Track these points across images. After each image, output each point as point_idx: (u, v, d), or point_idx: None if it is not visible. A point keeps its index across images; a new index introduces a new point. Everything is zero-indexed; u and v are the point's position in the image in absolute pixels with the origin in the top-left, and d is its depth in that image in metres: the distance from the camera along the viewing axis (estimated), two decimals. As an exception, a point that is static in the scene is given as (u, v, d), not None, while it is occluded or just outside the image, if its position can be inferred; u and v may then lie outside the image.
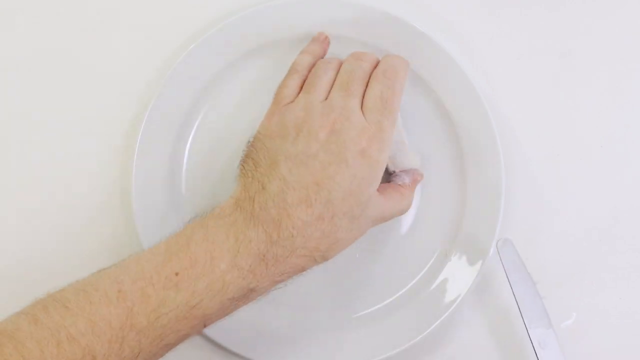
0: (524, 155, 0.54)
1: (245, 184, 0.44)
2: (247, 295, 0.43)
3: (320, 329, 0.52)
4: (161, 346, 0.40)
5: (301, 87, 0.48)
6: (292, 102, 0.47)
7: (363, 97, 0.46)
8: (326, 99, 0.46)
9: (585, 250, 0.54)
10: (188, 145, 0.53)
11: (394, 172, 0.52)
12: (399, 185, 0.50)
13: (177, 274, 0.40)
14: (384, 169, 0.45)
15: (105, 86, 0.53)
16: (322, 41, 0.51)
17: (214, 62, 0.52)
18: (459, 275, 0.52)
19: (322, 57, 0.51)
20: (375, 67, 0.48)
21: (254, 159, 0.45)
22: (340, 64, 0.48)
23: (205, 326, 0.43)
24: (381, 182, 0.47)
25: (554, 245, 0.54)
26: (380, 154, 0.44)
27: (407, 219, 0.53)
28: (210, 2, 0.54)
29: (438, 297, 0.52)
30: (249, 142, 0.46)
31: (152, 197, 0.51)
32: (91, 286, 0.40)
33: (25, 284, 0.52)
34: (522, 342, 0.53)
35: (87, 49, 0.54)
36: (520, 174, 0.54)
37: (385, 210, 0.48)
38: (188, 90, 0.52)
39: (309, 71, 0.49)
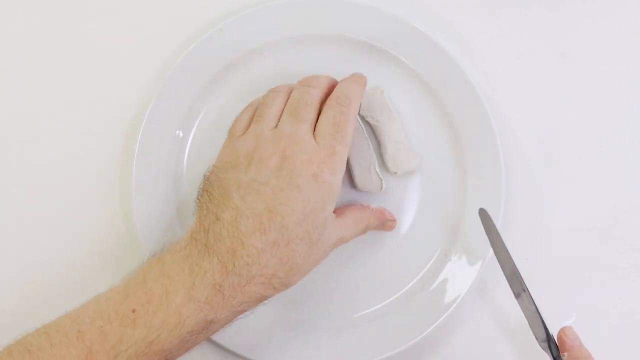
0: (524, 155, 0.54)
1: (200, 217, 0.44)
2: (206, 328, 0.43)
3: (320, 329, 0.52)
4: None
5: None
6: (243, 133, 0.47)
7: (316, 124, 0.46)
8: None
9: (585, 251, 0.54)
10: (188, 145, 0.53)
11: (395, 173, 0.52)
12: (360, 205, 0.51)
13: (133, 311, 0.41)
14: (338, 192, 0.45)
15: (105, 86, 0.53)
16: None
17: (214, 62, 0.52)
18: (459, 275, 0.52)
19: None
20: (327, 91, 0.48)
21: (209, 191, 0.45)
22: (290, 92, 0.48)
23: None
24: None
25: (554, 246, 0.54)
26: (333, 177, 0.44)
27: (407, 219, 0.53)
28: (210, 2, 0.54)
29: (438, 297, 0.52)
30: (204, 175, 0.46)
31: (152, 197, 0.51)
32: (53, 328, 0.41)
33: (24, 284, 0.52)
34: (521, 342, 0.53)
35: (87, 49, 0.54)
36: (520, 174, 0.54)
37: (344, 231, 0.48)
38: (188, 90, 0.52)
39: None
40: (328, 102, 0.47)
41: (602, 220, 0.55)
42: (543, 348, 0.48)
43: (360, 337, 0.52)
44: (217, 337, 0.50)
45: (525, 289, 0.48)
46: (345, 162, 0.46)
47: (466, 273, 0.52)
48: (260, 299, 0.44)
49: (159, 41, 0.53)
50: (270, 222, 0.42)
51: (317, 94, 0.47)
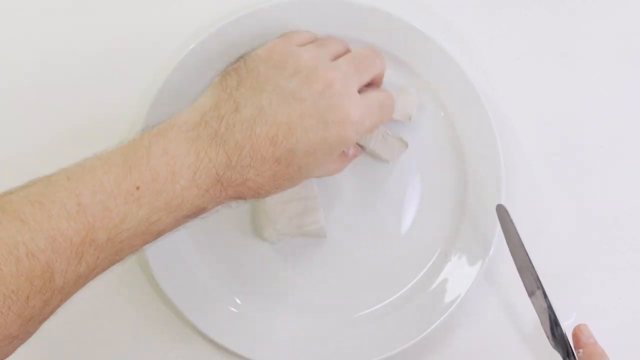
0: (524, 155, 0.54)
1: (219, 99, 0.43)
2: (197, 214, 0.42)
3: (320, 329, 0.52)
4: (115, 260, 0.39)
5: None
6: (302, 46, 0.46)
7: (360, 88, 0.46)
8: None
9: (586, 250, 0.54)
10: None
11: (388, 161, 0.52)
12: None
13: (137, 188, 0.39)
14: (345, 149, 0.46)
15: (105, 87, 0.53)
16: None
17: (214, 62, 0.52)
18: (459, 275, 0.52)
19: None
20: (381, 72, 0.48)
21: (241, 76, 0.44)
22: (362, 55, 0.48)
23: (155, 239, 0.41)
24: None
25: (553, 246, 0.54)
26: (354, 135, 0.44)
27: (407, 219, 0.53)
28: (210, 2, 0.54)
29: (438, 297, 0.52)
30: (242, 56, 0.45)
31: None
32: (46, 198, 0.37)
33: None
34: (521, 342, 0.53)
35: (87, 50, 0.54)
36: (520, 174, 0.54)
37: (326, 171, 0.48)
38: (188, 90, 0.52)
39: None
40: (381, 91, 0.48)
41: (602, 220, 0.55)
42: (553, 346, 0.48)
43: (360, 337, 0.52)
44: (218, 337, 0.50)
45: (540, 287, 0.48)
46: (365, 133, 0.46)
47: (466, 273, 0.52)
48: (239, 199, 0.43)
49: (159, 41, 0.53)
50: (285, 138, 0.42)
51: (379, 66, 0.47)
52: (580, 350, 0.47)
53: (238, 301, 0.52)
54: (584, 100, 0.55)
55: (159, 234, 0.41)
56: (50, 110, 0.53)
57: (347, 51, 0.48)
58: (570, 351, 0.47)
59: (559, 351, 0.48)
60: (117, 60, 0.54)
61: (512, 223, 0.49)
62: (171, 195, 0.39)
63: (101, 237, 0.37)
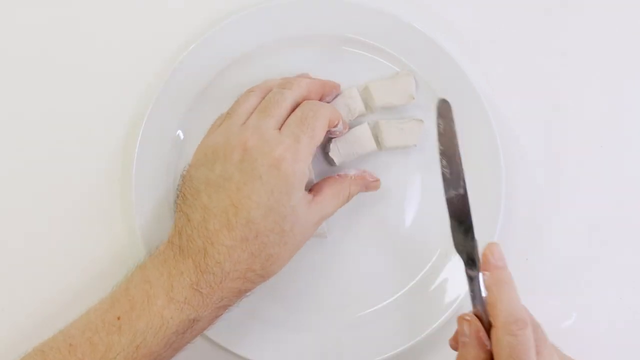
0: (524, 155, 0.54)
1: (176, 219, 0.45)
2: (191, 327, 0.43)
3: (321, 329, 0.52)
4: None
5: None
6: (244, 120, 0.47)
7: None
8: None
9: (585, 251, 0.54)
10: (188, 145, 0.53)
11: (415, 145, 0.53)
12: (338, 175, 0.50)
13: (118, 318, 0.42)
14: (302, 181, 0.44)
15: (106, 87, 0.53)
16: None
17: (214, 63, 0.52)
18: (459, 275, 0.52)
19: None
20: (306, 93, 0.47)
21: (182, 192, 0.45)
22: (267, 93, 0.48)
23: None
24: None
25: (554, 246, 0.54)
26: (295, 165, 0.44)
27: (407, 219, 0.53)
28: (210, 2, 0.54)
29: (438, 297, 0.52)
30: (182, 175, 0.47)
31: (152, 197, 0.51)
32: (47, 346, 0.42)
33: (25, 284, 0.52)
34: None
35: (87, 51, 0.54)
36: (520, 174, 0.54)
37: (324, 209, 0.47)
38: (188, 90, 0.52)
39: None
40: (302, 104, 0.47)
41: (602, 220, 0.55)
42: (457, 250, 0.44)
43: (360, 337, 0.52)
44: (218, 337, 0.51)
45: (465, 192, 0.44)
46: (311, 155, 0.45)
47: (466, 273, 0.52)
48: (240, 293, 0.44)
49: (159, 41, 0.53)
50: (236, 217, 0.43)
51: (290, 95, 0.47)
52: (487, 273, 0.42)
53: (239, 301, 0.52)
54: (584, 100, 0.55)
55: (152, 356, 0.42)
56: (49, 110, 0.53)
57: (308, 94, 0.48)
58: (476, 262, 0.43)
59: (462, 257, 0.44)
60: (118, 60, 0.54)
61: (453, 121, 0.45)
62: (149, 316, 0.42)
63: None
